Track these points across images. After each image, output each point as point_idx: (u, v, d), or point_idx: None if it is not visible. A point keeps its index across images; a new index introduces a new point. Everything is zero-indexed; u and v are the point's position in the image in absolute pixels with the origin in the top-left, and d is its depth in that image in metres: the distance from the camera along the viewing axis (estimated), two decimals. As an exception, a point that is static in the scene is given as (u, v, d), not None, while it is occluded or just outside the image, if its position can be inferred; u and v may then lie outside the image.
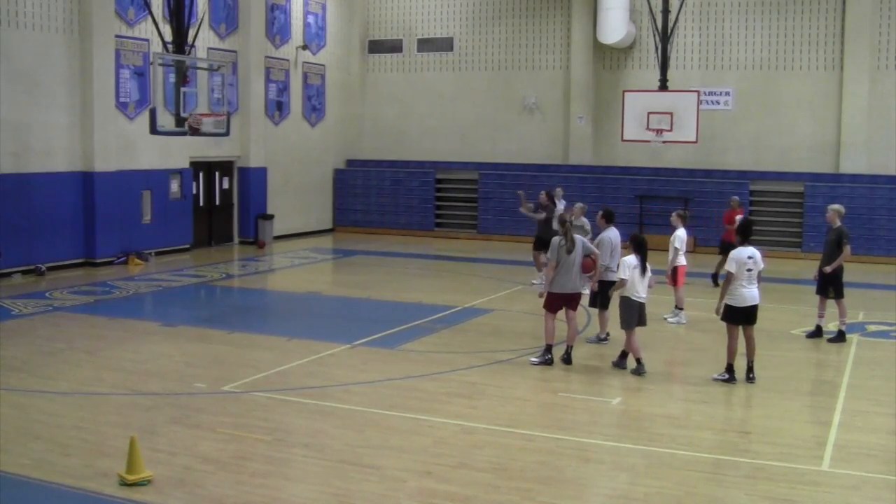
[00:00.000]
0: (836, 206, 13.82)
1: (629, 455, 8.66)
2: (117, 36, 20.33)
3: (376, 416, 9.63)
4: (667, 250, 14.79)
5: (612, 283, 12.65)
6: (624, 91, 23.49)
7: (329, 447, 8.70)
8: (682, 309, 14.76)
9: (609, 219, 13.29)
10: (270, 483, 7.74)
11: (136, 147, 21.00)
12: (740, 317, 11.04)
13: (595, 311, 13.58)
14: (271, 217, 25.15)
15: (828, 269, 13.38)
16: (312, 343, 12.92)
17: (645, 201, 24.69)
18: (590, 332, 13.62)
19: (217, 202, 24.31)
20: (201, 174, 23.53)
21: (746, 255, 10.92)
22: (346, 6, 28.45)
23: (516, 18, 27.24)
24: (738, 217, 16.32)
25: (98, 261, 19.77)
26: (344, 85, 28.69)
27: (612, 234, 13.09)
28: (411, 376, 11.24)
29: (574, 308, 11.89)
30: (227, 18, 23.88)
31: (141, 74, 21.01)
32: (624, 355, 11.66)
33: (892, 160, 23.73)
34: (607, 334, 13.15)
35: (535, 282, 17.86)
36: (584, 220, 17.02)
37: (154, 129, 16.98)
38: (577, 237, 12.01)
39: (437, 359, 12.17)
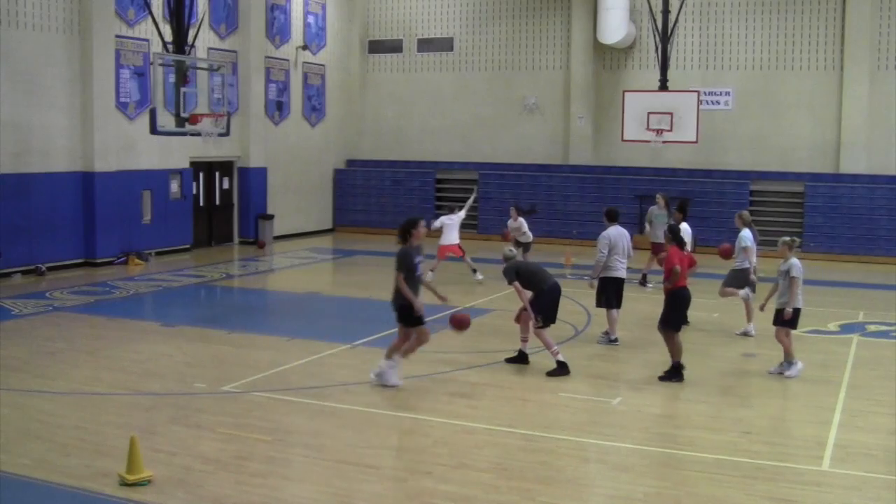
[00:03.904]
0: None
1: (629, 455, 8.66)
2: (117, 36, 20.33)
3: (376, 416, 9.64)
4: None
5: (615, 279, 12.73)
6: (624, 91, 23.51)
7: (329, 447, 8.70)
8: None
9: (611, 217, 13.31)
10: (270, 483, 7.74)
11: (136, 147, 21.00)
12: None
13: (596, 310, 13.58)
14: (271, 217, 25.15)
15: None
16: (312, 343, 12.93)
17: (645, 201, 24.64)
18: (590, 334, 13.63)
19: (217, 202, 24.31)
20: (201, 174, 23.53)
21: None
22: (346, 6, 28.45)
23: (516, 18, 27.24)
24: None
25: (98, 261, 19.76)
26: (344, 85, 28.68)
27: (613, 231, 13.08)
28: (411, 376, 11.24)
29: None
30: (227, 18, 23.88)
31: (141, 74, 21.01)
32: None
33: (892, 160, 23.73)
34: (616, 337, 13.10)
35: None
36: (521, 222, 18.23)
37: (154, 129, 16.99)
38: None
39: (437, 359, 12.17)
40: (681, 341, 11.38)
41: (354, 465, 8.18)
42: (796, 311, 11.47)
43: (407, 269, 10.47)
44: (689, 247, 14.56)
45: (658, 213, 18.05)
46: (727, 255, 13.81)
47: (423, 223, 10.75)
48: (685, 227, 14.63)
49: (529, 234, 18.66)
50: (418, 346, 10.75)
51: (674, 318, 11.34)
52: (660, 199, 18.37)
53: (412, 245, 10.59)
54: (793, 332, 11.62)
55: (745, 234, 13.69)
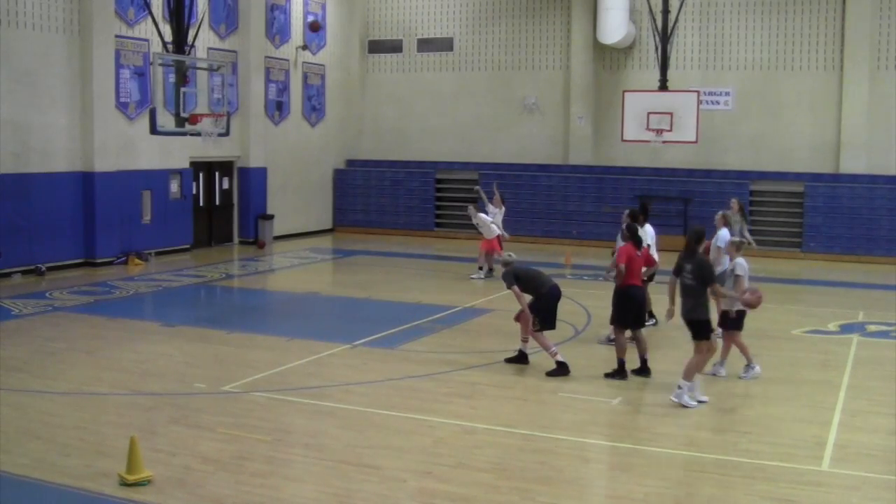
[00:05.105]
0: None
1: (629, 455, 8.66)
2: (117, 36, 20.32)
3: (376, 416, 9.63)
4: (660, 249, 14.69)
5: None
6: (624, 91, 23.49)
7: (329, 447, 8.70)
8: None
9: (635, 217, 13.26)
10: (270, 483, 7.74)
11: (136, 147, 20.99)
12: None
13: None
14: (271, 217, 25.15)
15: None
16: (312, 343, 12.93)
17: (645, 201, 24.66)
18: (590, 334, 13.63)
19: (217, 202, 24.31)
20: (201, 174, 23.53)
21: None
22: (346, 6, 28.45)
23: (516, 18, 27.23)
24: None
25: (98, 261, 19.76)
26: (344, 85, 28.68)
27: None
28: (411, 376, 11.25)
29: None
30: (227, 18, 23.87)
31: (141, 74, 21.01)
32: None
33: (892, 160, 23.72)
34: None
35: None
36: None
37: (154, 129, 16.99)
38: None
39: (437, 359, 12.18)
40: (626, 341, 11.38)
41: (354, 465, 8.18)
42: (741, 313, 11.30)
43: (713, 280, 10.46)
44: (653, 248, 14.62)
45: (732, 219, 17.65)
46: (704, 252, 13.74)
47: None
48: (648, 229, 14.59)
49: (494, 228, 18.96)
50: (708, 358, 10.65)
51: (620, 315, 11.39)
52: (734, 203, 17.97)
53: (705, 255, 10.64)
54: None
55: (723, 233, 13.52)
